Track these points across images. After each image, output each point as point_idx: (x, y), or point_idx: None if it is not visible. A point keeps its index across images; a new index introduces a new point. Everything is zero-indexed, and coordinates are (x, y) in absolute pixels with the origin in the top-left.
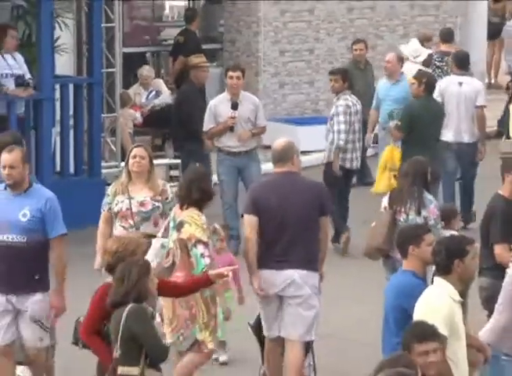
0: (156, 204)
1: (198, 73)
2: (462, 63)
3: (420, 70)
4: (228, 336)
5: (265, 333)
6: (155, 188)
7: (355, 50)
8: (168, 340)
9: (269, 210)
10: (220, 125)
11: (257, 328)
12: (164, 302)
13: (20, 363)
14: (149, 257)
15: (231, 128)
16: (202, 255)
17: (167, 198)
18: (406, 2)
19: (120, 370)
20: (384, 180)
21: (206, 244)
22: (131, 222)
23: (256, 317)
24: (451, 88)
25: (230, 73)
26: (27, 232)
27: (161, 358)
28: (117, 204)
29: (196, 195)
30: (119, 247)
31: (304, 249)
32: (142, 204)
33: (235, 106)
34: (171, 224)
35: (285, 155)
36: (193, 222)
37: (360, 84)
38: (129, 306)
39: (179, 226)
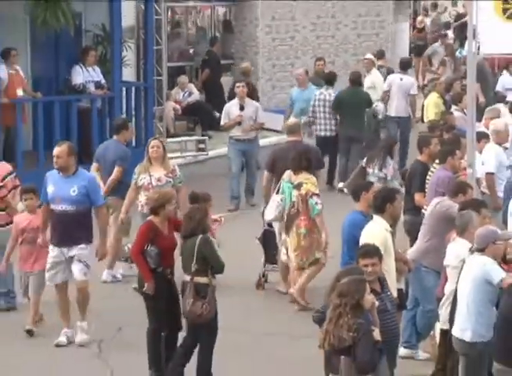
0: (169, 179)
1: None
2: (403, 66)
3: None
4: None
5: (280, 242)
6: (167, 168)
7: (318, 65)
8: (293, 262)
9: (282, 165)
10: (231, 121)
11: (261, 239)
12: (291, 237)
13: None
14: (271, 208)
15: (239, 123)
16: (316, 203)
17: (176, 175)
18: (355, 32)
19: (196, 279)
20: None
21: (318, 196)
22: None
23: (261, 233)
24: (395, 81)
25: (237, 84)
26: (75, 203)
27: (220, 272)
28: (141, 180)
29: (304, 163)
30: (159, 196)
31: None
32: (158, 179)
33: (242, 108)
34: (287, 185)
35: (294, 129)
36: (309, 182)
37: None
38: (200, 237)
39: (299, 186)
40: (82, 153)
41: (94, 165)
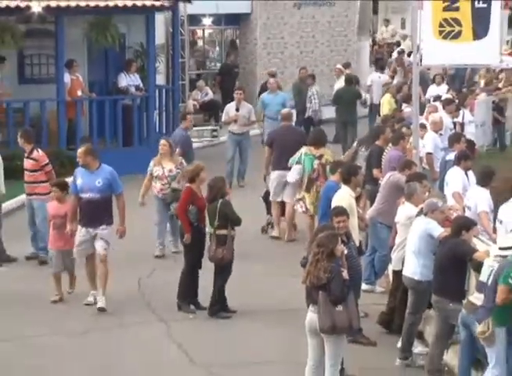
0: (178, 170)
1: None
2: (380, 68)
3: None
4: None
5: (273, 198)
6: (175, 161)
7: (301, 72)
8: (311, 210)
9: (277, 142)
10: (230, 118)
11: (264, 197)
12: (311, 193)
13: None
14: (293, 173)
15: (235, 121)
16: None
17: (183, 166)
18: (329, 48)
19: (218, 231)
20: None
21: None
22: (166, 181)
23: (264, 193)
24: (375, 78)
25: (236, 91)
26: (100, 192)
27: (239, 225)
28: (156, 171)
29: (323, 141)
30: (194, 168)
31: None
32: (170, 170)
33: (237, 110)
34: (308, 156)
35: (287, 117)
36: (328, 154)
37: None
38: (221, 200)
39: (320, 157)
40: (125, 139)
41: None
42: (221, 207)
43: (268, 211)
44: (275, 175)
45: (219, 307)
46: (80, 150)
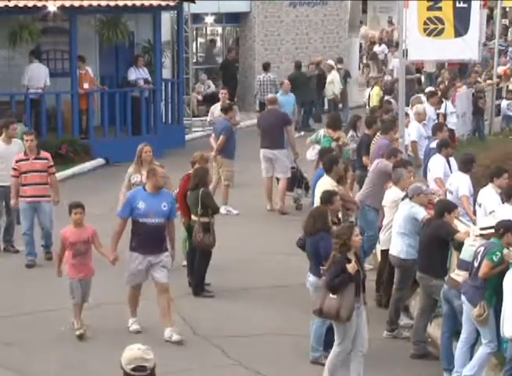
0: None
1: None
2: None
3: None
4: None
5: (264, 175)
6: None
7: (309, 66)
8: None
9: (264, 123)
10: (215, 119)
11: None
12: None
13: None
14: (311, 153)
15: None
16: (348, 150)
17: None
18: (322, 44)
19: (201, 219)
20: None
21: (348, 145)
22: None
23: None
24: (395, 63)
25: (221, 91)
26: (164, 216)
27: (217, 213)
28: (134, 179)
29: (340, 124)
30: (195, 156)
31: (279, 139)
32: None
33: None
34: (326, 138)
35: (273, 100)
36: (343, 136)
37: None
38: (202, 189)
39: (338, 139)
40: (133, 128)
41: (212, 136)
42: (202, 198)
43: (292, 188)
44: (261, 153)
45: (202, 287)
46: (161, 170)
